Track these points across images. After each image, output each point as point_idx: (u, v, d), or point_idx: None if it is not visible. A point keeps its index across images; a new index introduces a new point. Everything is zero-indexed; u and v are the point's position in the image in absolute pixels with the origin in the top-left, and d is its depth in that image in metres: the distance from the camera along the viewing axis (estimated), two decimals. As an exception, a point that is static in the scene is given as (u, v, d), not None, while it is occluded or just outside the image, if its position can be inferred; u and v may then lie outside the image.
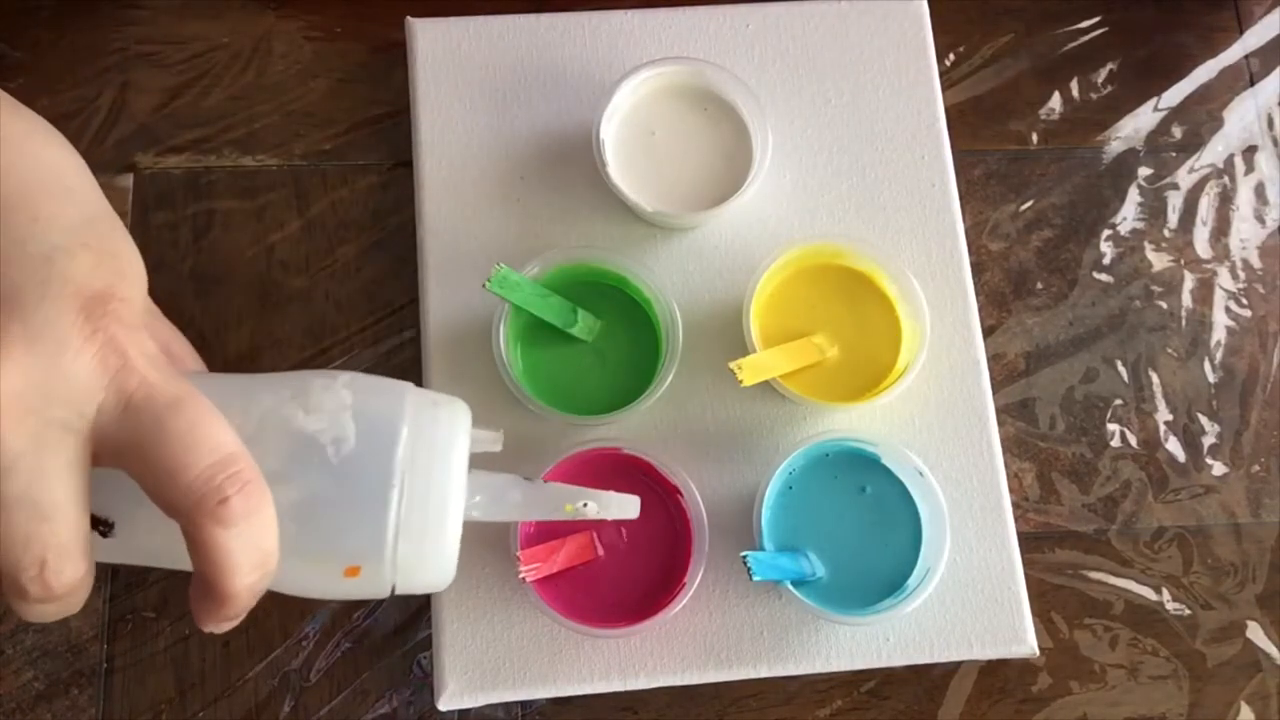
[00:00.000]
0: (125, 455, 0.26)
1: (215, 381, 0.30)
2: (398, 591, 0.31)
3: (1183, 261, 0.59)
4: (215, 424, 0.26)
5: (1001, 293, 0.58)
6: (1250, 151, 0.62)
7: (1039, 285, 0.58)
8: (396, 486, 0.29)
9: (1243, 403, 0.57)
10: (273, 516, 0.27)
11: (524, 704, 0.51)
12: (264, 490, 0.26)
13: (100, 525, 0.28)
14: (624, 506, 0.36)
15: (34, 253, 0.25)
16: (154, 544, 0.29)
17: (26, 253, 0.25)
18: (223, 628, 0.29)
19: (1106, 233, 0.60)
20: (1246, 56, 0.63)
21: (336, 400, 0.30)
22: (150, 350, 0.26)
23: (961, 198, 0.57)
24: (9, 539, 0.25)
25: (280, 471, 0.28)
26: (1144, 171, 0.61)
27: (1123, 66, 0.62)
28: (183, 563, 0.28)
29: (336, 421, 0.29)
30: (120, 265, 0.27)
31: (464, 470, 0.31)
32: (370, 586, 0.30)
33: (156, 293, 0.56)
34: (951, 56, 0.62)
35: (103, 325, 0.25)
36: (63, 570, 0.25)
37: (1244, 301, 0.59)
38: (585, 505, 0.35)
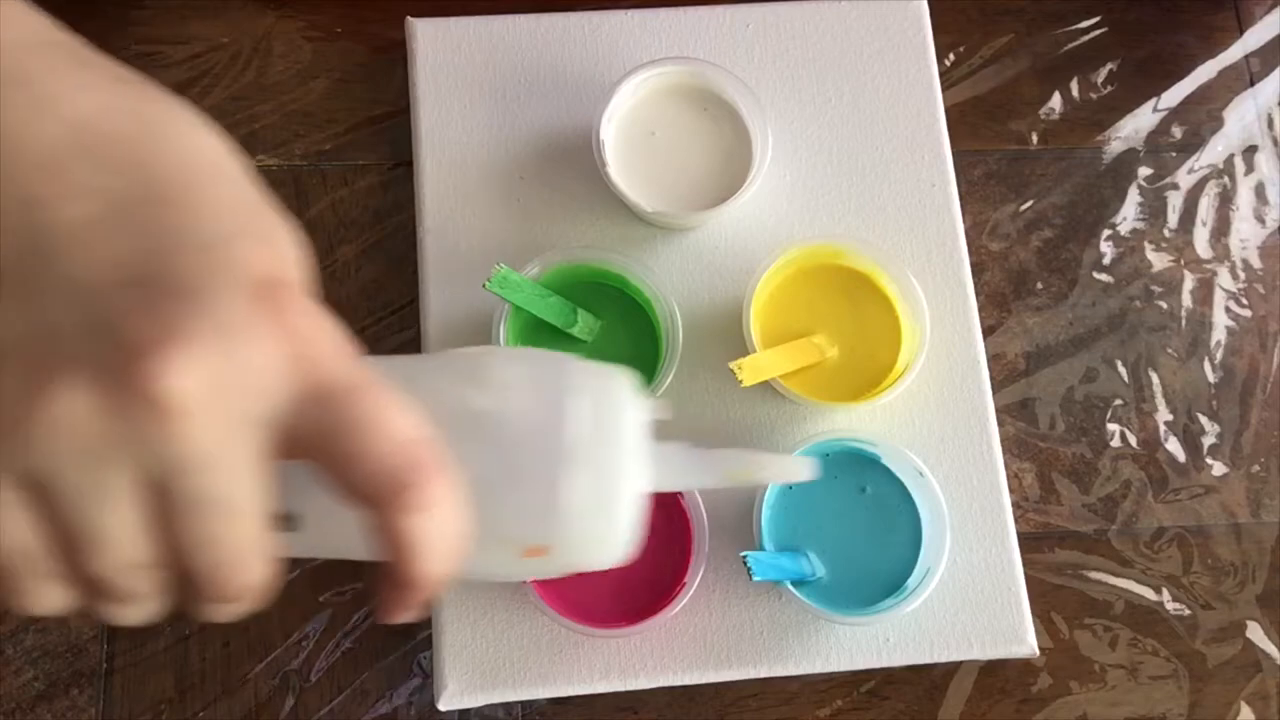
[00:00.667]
0: (309, 445, 0.25)
1: (383, 365, 0.29)
2: (574, 569, 0.30)
3: (1183, 261, 0.59)
4: (398, 409, 0.25)
5: (1001, 293, 0.58)
6: (1250, 151, 0.62)
7: (1039, 285, 0.58)
8: (574, 461, 0.28)
9: (1243, 403, 0.57)
10: (459, 502, 0.26)
11: (524, 704, 0.51)
12: (449, 475, 0.26)
13: (281, 521, 0.27)
14: (790, 468, 0.34)
15: (202, 242, 0.24)
16: (333, 537, 0.29)
17: (194, 243, 0.24)
18: (408, 618, 0.28)
19: (1106, 233, 0.60)
20: (1246, 56, 0.63)
21: (506, 376, 0.29)
22: (329, 331, 0.25)
23: (961, 198, 0.57)
24: (196, 539, 0.24)
25: (459, 453, 0.27)
26: (1144, 171, 0.61)
27: (1123, 66, 0.62)
28: (362, 553, 0.28)
29: (509, 399, 0.29)
30: (282, 250, 0.25)
31: (637, 441, 0.30)
32: (551, 565, 0.30)
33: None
34: (951, 56, 0.62)
35: (278, 313, 0.24)
36: (250, 569, 0.25)
37: (1244, 301, 0.59)
38: (759, 469, 0.34)
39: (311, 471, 0.25)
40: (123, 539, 0.23)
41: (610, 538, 0.30)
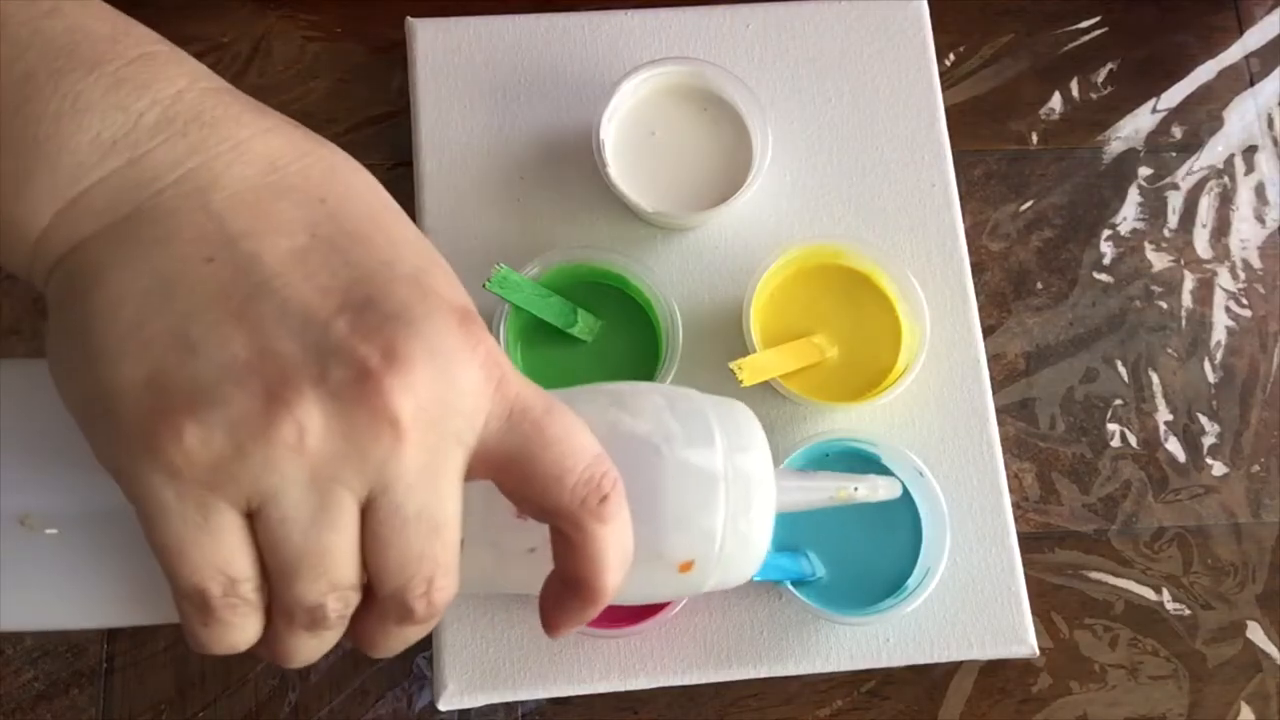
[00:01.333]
0: (506, 464, 0.26)
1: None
2: (715, 587, 0.31)
3: (1183, 261, 0.59)
4: (583, 428, 0.27)
5: (1001, 293, 0.58)
6: (1250, 151, 0.62)
7: (1039, 285, 0.58)
8: (723, 480, 0.30)
9: (1243, 403, 0.57)
10: (629, 516, 0.27)
11: (524, 704, 0.51)
12: (624, 490, 0.27)
13: None
14: (889, 488, 0.38)
15: (403, 273, 0.25)
16: (482, 563, 0.30)
17: (397, 274, 0.25)
18: (569, 632, 0.29)
19: (1106, 233, 0.60)
20: (1246, 56, 0.63)
21: (653, 403, 0.31)
22: (509, 362, 0.26)
23: (961, 198, 0.57)
24: (403, 557, 0.24)
25: (620, 472, 0.28)
26: (1144, 171, 0.61)
27: (1123, 66, 0.62)
28: (504, 576, 0.30)
29: (660, 421, 0.30)
30: (459, 285, 0.27)
31: (766, 466, 0.31)
32: (696, 583, 0.31)
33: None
34: (951, 56, 0.62)
35: (479, 337, 0.25)
36: (447, 587, 0.26)
37: (1244, 301, 0.59)
38: (855, 489, 0.37)
39: (470, 495, 0.26)
40: (341, 560, 0.24)
41: (751, 555, 0.31)
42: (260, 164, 0.25)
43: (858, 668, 0.50)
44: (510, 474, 0.26)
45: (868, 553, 0.50)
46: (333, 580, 0.24)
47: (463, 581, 0.27)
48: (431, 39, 0.57)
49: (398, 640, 0.27)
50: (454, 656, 0.49)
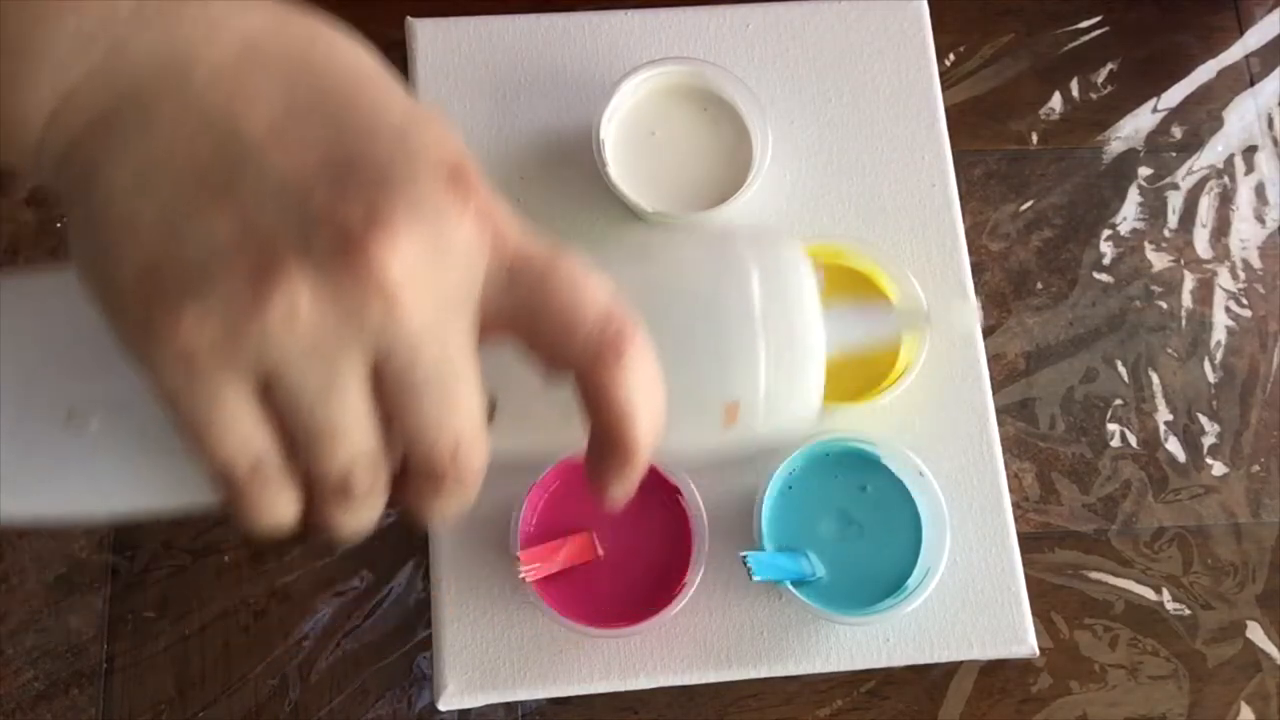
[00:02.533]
0: (514, 321, 0.26)
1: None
2: (765, 439, 0.30)
3: (1183, 261, 0.59)
4: (592, 274, 0.26)
5: (1001, 293, 0.58)
6: (1250, 151, 0.62)
7: (1039, 285, 0.58)
8: (759, 316, 0.29)
9: (1243, 403, 0.57)
10: (656, 363, 0.27)
11: (524, 704, 0.51)
12: (644, 336, 0.26)
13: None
14: (960, 314, 0.38)
15: (389, 131, 0.25)
16: (520, 428, 0.29)
17: (382, 132, 0.25)
18: (622, 498, 0.28)
19: (1106, 233, 0.60)
20: (1247, 56, 0.63)
21: (680, 253, 0.30)
22: (511, 214, 0.26)
23: (961, 198, 0.57)
24: (423, 422, 0.24)
25: (649, 321, 0.27)
26: (1144, 171, 0.61)
27: (1123, 66, 0.62)
28: (545, 442, 0.29)
29: (691, 264, 0.30)
30: (455, 141, 0.26)
31: (813, 301, 0.30)
32: (745, 434, 0.30)
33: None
34: (951, 56, 0.62)
35: (470, 195, 0.25)
36: (474, 452, 0.25)
37: (1244, 301, 0.59)
38: (926, 320, 0.36)
39: (497, 359, 0.26)
40: (355, 428, 0.24)
41: (801, 397, 0.30)
42: (238, 41, 0.25)
43: (858, 668, 0.50)
44: (520, 331, 0.26)
45: (868, 553, 0.50)
46: (352, 449, 0.24)
47: (500, 452, 0.26)
48: (431, 39, 0.57)
49: (440, 508, 0.27)
50: (454, 656, 0.49)
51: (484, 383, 0.26)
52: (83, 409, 0.27)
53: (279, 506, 0.25)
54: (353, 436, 0.24)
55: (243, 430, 0.24)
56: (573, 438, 0.29)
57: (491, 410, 0.28)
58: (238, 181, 0.24)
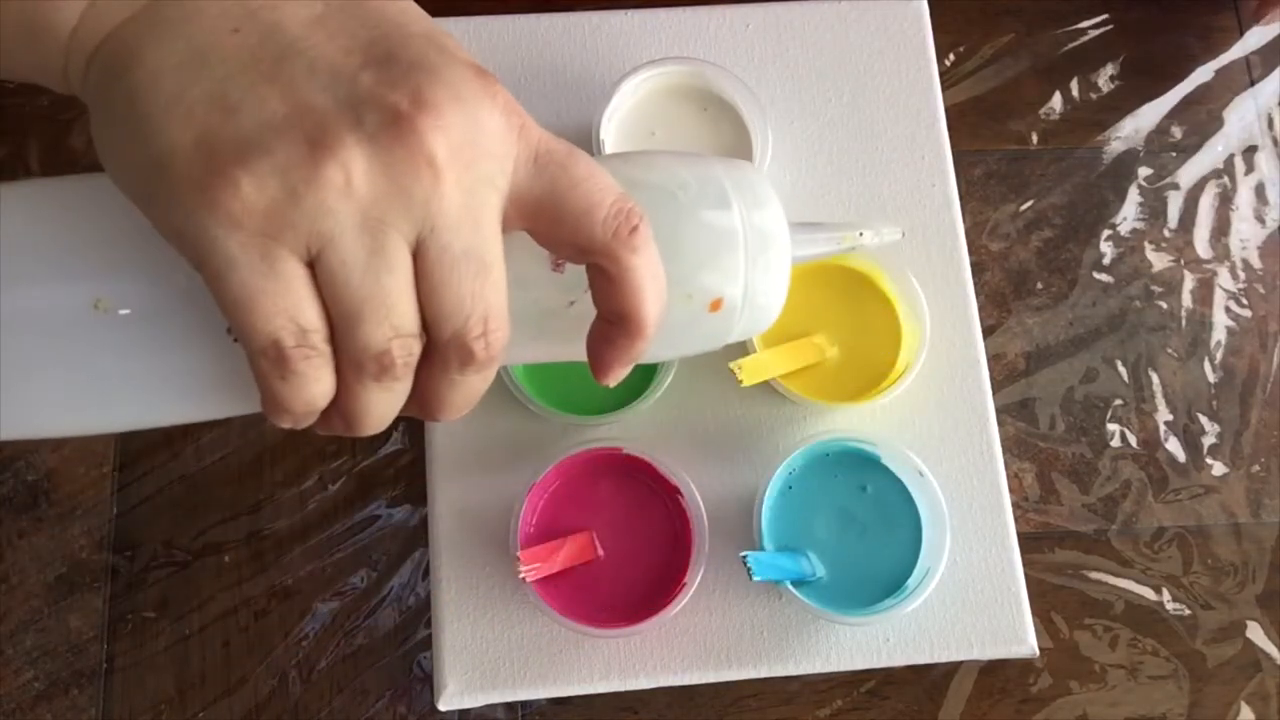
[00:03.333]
0: (538, 207, 0.27)
1: None
2: (737, 335, 0.33)
3: (1183, 261, 0.59)
4: (603, 170, 0.28)
5: (1001, 293, 0.58)
6: (1250, 151, 0.62)
7: (1039, 285, 0.58)
8: (740, 221, 0.32)
9: (1243, 403, 0.57)
10: (657, 250, 0.29)
11: (524, 704, 0.51)
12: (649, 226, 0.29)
13: None
14: (888, 232, 0.40)
15: (418, 30, 0.27)
16: (528, 324, 0.31)
17: (412, 31, 0.26)
18: (621, 375, 0.30)
19: (1106, 233, 0.60)
20: (1246, 56, 0.63)
21: (663, 160, 0.33)
22: (526, 113, 0.28)
23: (961, 198, 0.57)
24: (459, 297, 0.26)
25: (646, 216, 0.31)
26: (1144, 171, 0.61)
27: (1123, 66, 0.62)
28: (550, 332, 0.32)
29: (674, 173, 0.32)
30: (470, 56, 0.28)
31: (781, 209, 0.33)
32: (723, 327, 0.33)
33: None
34: (951, 56, 0.62)
35: (497, 88, 0.27)
36: (500, 328, 0.27)
37: (1244, 301, 0.59)
38: (860, 235, 0.38)
39: (511, 253, 0.28)
40: (399, 301, 0.25)
41: (773, 298, 0.33)
42: None
43: (858, 668, 0.50)
44: (543, 217, 0.27)
45: (868, 553, 0.50)
46: (395, 323, 0.25)
47: (512, 341, 0.28)
48: (431, 39, 0.57)
49: (462, 392, 0.28)
50: (454, 656, 0.49)
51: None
52: (110, 297, 0.27)
53: (317, 384, 0.26)
54: (398, 309, 0.25)
55: (293, 300, 0.24)
56: (574, 333, 0.31)
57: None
58: (286, 66, 0.25)
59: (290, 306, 0.24)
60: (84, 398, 0.29)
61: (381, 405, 0.27)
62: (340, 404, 0.27)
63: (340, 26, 0.26)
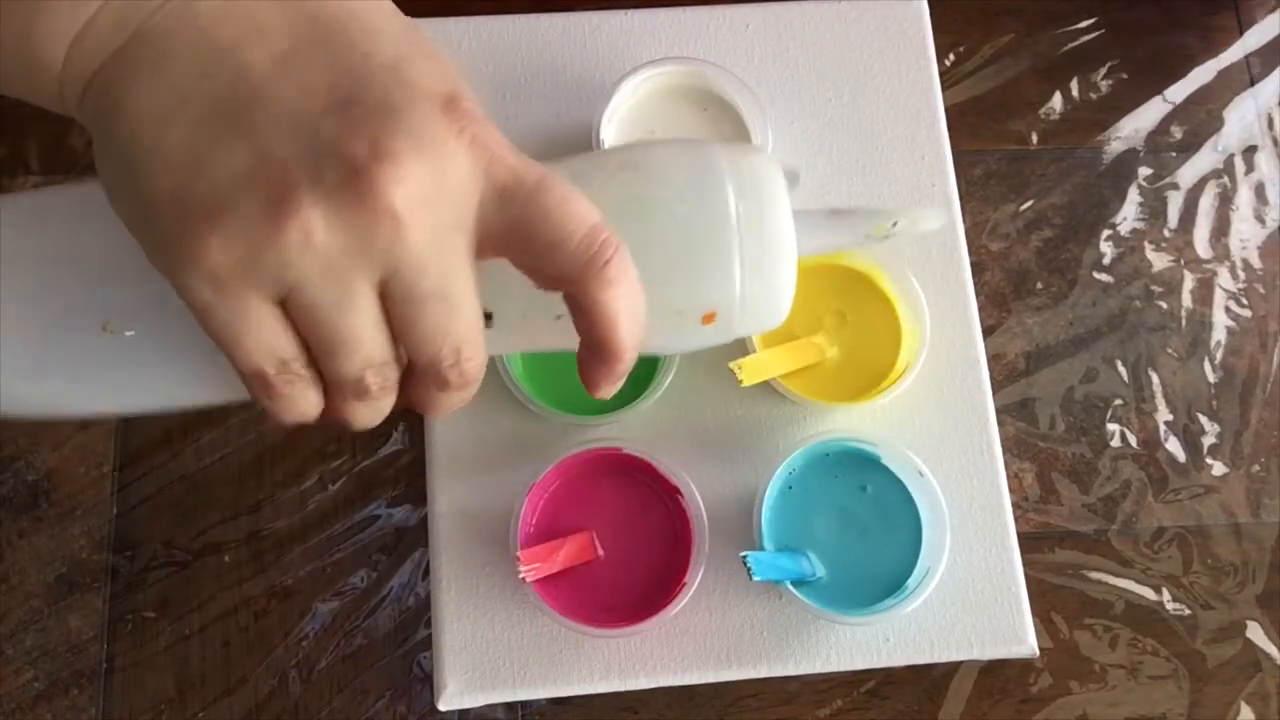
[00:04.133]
0: (507, 240, 0.28)
1: (549, 164, 0.32)
2: (741, 334, 0.32)
3: (1183, 261, 0.59)
4: (578, 197, 0.28)
5: (1001, 293, 0.58)
6: (1250, 151, 0.62)
7: (1039, 285, 0.58)
8: (736, 229, 0.31)
9: (1243, 403, 0.57)
10: (637, 277, 0.29)
11: (524, 704, 0.51)
12: (627, 253, 0.29)
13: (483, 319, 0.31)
14: (921, 218, 0.36)
15: (384, 62, 0.26)
16: (520, 333, 0.32)
17: (378, 64, 0.26)
18: (609, 392, 0.31)
19: (1106, 233, 0.60)
20: (1246, 56, 0.63)
21: (661, 160, 0.32)
22: (503, 139, 0.28)
23: (961, 198, 0.57)
24: (427, 333, 0.27)
25: (631, 233, 0.30)
26: (1144, 171, 0.61)
27: (1123, 66, 0.62)
28: (544, 343, 0.32)
29: (668, 178, 0.31)
30: (449, 66, 0.28)
31: (786, 209, 0.32)
32: (722, 333, 0.32)
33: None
34: (951, 56, 0.62)
35: (464, 123, 0.27)
36: (474, 357, 0.28)
37: (1244, 301, 0.59)
38: (893, 225, 0.35)
39: (496, 273, 0.28)
40: (366, 338, 0.27)
41: (776, 299, 0.32)
42: None
43: (858, 668, 0.50)
44: (514, 248, 0.28)
45: (868, 553, 0.50)
46: (365, 357, 0.27)
47: (502, 349, 0.29)
48: (431, 39, 0.57)
49: (446, 404, 0.29)
50: (454, 656, 0.49)
51: (481, 297, 0.29)
52: (117, 320, 0.30)
53: (303, 403, 0.28)
54: (365, 345, 0.27)
55: (268, 339, 0.26)
56: (565, 341, 0.31)
57: (488, 322, 0.31)
58: (251, 115, 0.25)
59: (267, 344, 0.26)
60: (96, 393, 0.31)
61: (368, 414, 0.29)
62: (330, 413, 0.29)
63: (305, 63, 0.26)
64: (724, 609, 0.50)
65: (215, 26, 0.26)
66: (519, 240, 0.28)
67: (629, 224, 0.30)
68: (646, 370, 0.52)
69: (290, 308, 0.26)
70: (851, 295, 0.53)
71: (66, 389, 0.31)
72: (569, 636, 0.49)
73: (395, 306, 0.27)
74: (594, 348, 0.30)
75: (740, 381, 0.48)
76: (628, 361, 0.30)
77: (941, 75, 0.59)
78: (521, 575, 0.47)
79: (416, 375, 0.28)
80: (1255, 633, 0.54)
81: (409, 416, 0.55)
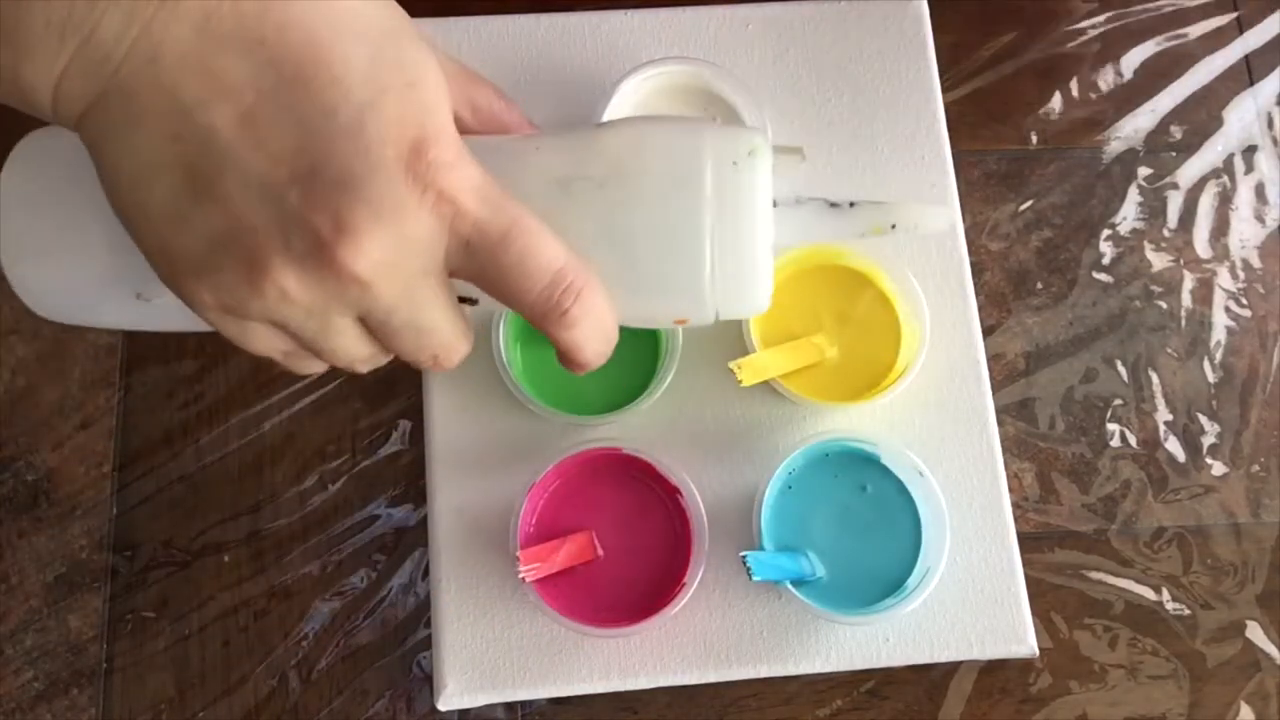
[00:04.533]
0: (476, 281, 0.30)
1: (515, 155, 0.32)
2: (721, 318, 0.33)
3: (1183, 261, 0.59)
4: (543, 244, 0.30)
5: (1001, 293, 0.58)
6: (1250, 151, 0.62)
7: (1039, 285, 0.58)
8: (708, 228, 0.31)
9: (1243, 403, 0.57)
10: (606, 300, 0.31)
11: (524, 704, 0.51)
12: (594, 286, 0.30)
13: (467, 301, 0.33)
14: (927, 216, 0.35)
15: (346, 123, 0.27)
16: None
17: (339, 125, 0.27)
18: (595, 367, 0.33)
19: (1106, 233, 0.60)
20: (1246, 56, 0.63)
21: (634, 151, 0.31)
22: (473, 181, 0.28)
23: (961, 198, 0.57)
24: (405, 350, 0.31)
25: (598, 232, 0.31)
26: (1144, 171, 0.61)
27: (1123, 66, 0.62)
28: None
29: (638, 174, 0.31)
30: (420, 95, 0.28)
31: (769, 202, 0.32)
32: (695, 325, 0.33)
33: (156, 293, 0.56)
34: (952, 56, 0.62)
35: (429, 180, 0.27)
36: (450, 358, 0.32)
37: (1244, 301, 0.59)
38: (892, 227, 0.34)
39: None
40: (351, 349, 0.31)
41: (751, 292, 0.32)
42: (195, 16, 0.26)
43: (858, 668, 0.50)
44: (483, 286, 0.30)
45: (868, 553, 0.50)
46: (352, 360, 0.31)
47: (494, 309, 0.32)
48: (431, 39, 0.57)
49: (438, 371, 0.35)
50: (454, 656, 0.49)
51: (460, 287, 0.31)
52: (148, 291, 0.33)
53: (315, 365, 0.33)
54: (350, 353, 0.31)
55: (269, 343, 0.30)
56: None
57: (473, 303, 0.33)
58: (222, 180, 0.27)
59: (267, 346, 0.30)
60: (129, 321, 0.35)
61: (370, 371, 0.33)
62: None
63: (270, 125, 0.27)
64: (724, 609, 0.50)
65: (178, 85, 0.26)
66: (485, 284, 0.30)
67: (599, 221, 0.31)
68: (646, 370, 0.52)
69: (282, 328, 0.29)
70: (851, 295, 0.53)
71: (100, 317, 0.35)
72: (569, 636, 0.49)
73: (373, 331, 0.30)
74: (565, 361, 0.33)
75: (740, 381, 0.48)
76: (597, 365, 0.33)
77: (941, 75, 0.59)
78: (521, 575, 0.47)
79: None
80: (1255, 633, 0.54)
81: (409, 416, 0.55)
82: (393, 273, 0.28)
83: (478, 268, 0.29)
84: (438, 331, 0.31)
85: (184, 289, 0.28)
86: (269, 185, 0.27)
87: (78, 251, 0.32)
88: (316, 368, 0.33)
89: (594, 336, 0.31)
